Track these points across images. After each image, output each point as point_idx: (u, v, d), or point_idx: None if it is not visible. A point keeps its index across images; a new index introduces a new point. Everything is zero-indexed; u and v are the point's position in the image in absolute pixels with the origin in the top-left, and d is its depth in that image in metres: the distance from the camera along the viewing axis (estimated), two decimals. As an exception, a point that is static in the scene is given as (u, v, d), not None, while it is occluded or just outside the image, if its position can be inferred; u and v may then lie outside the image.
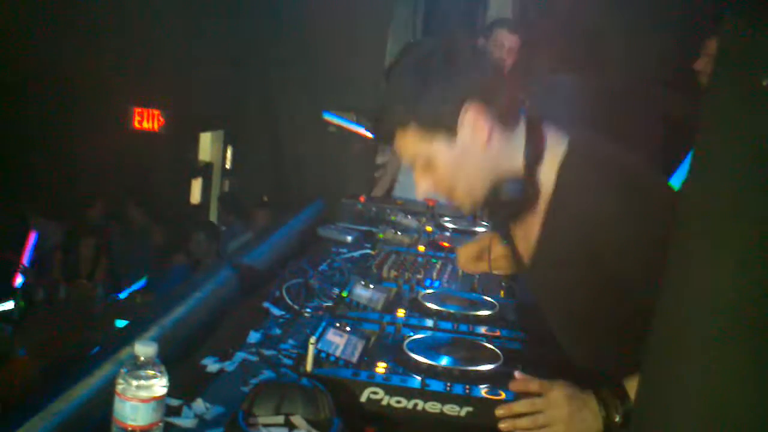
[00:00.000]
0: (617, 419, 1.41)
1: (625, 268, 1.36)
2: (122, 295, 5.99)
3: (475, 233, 3.12)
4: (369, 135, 6.13)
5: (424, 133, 1.44)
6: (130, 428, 1.22)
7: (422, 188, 1.51)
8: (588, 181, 1.41)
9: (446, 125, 1.42)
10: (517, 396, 1.49)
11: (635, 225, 1.35)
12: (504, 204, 1.47)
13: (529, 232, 1.52)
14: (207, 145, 10.49)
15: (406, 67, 1.46)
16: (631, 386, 1.41)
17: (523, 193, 1.45)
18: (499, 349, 1.72)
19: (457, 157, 1.44)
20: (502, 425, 1.46)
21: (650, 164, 1.55)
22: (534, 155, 1.45)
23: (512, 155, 1.46)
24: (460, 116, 1.41)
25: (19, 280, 5.72)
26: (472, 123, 1.42)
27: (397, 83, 1.47)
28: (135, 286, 6.07)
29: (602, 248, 1.38)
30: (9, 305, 5.03)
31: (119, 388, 1.23)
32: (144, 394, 1.22)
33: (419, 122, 1.43)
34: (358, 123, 7.79)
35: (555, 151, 1.46)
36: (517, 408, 1.46)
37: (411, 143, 1.46)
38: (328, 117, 8.68)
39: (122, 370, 1.24)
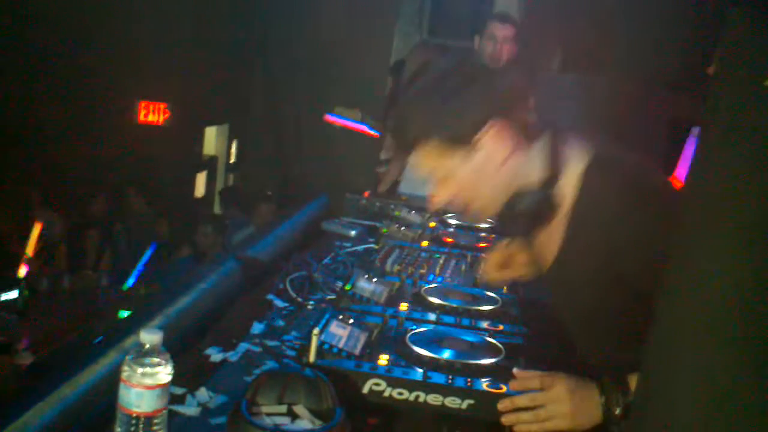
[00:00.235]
0: (617, 411, 1.42)
1: (642, 271, 1.38)
2: (132, 278, 6.06)
3: (479, 229, 3.13)
4: (373, 133, 6.14)
5: (444, 149, 1.46)
6: (134, 415, 1.23)
7: (438, 200, 1.53)
8: (609, 191, 1.43)
9: (467, 142, 1.44)
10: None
11: (653, 233, 1.36)
12: (521, 216, 1.49)
13: (550, 239, 1.54)
14: (212, 139, 10.51)
15: (425, 84, 1.48)
16: (634, 380, 1.42)
17: (541, 205, 1.47)
18: (501, 343, 1.73)
19: (477, 172, 1.47)
20: (504, 419, 1.47)
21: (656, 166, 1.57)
22: (555, 167, 1.47)
23: (531, 168, 1.48)
24: (480, 133, 1.43)
25: (23, 270, 5.74)
26: (493, 140, 1.44)
27: (416, 100, 1.49)
28: (147, 254, 6.13)
29: (622, 254, 1.40)
30: (13, 294, 5.05)
31: (124, 374, 1.24)
32: (149, 381, 1.23)
33: (440, 138, 1.45)
34: (363, 121, 7.80)
35: (575, 162, 1.48)
36: (519, 402, 1.47)
37: (430, 158, 1.48)
38: (331, 118, 8.70)
39: (127, 357, 1.25)
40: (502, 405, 1.47)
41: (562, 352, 1.70)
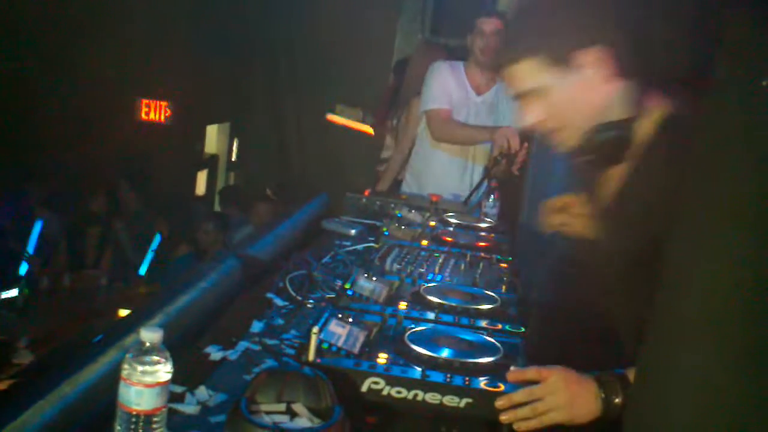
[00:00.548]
0: (617, 401, 1.43)
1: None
2: (144, 264, 6.13)
3: (478, 228, 3.14)
4: (371, 131, 6.15)
5: (546, 66, 1.49)
6: (134, 413, 1.24)
7: (529, 119, 1.56)
8: (675, 148, 1.46)
9: (570, 62, 1.47)
10: (517, 388, 1.51)
11: None
12: (600, 148, 1.52)
13: (608, 183, 1.58)
14: (213, 138, 10.51)
15: (539, 2, 1.52)
16: (632, 373, 1.43)
17: (614, 142, 1.50)
18: (499, 342, 1.73)
19: (571, 95, 1.50)
20: (503, 417, 1.47)
21: None
22: (635, 111, 1.51)
23: (618, 104, 1.51)
24: (585, 56, 1.46)
25: (23, 268, 5.75)
26: (595, 65, 1.47)
27: (529, 15, 1.53)
28: (155, 242, 6.18)
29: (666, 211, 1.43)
30: (13, 293, 5.06)
31: (124, 373, 1.24)
32: (148, 379, 1.24)
33: (544, 55, 1.48)
34: (364, 120, 7.82)
35: (654, 112, 1.51)
36: (516, 398, 1.47)
37: (530, 74, 1.51)
38: (333, 117, 8.71)
39: (127, 356, 1.25)
40: (499, 402, 1.47)
41: (561, 351, 1.71)
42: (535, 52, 1.49)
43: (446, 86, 3.83)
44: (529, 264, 2.70)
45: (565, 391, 1.45)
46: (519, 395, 1.47)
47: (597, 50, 1.46)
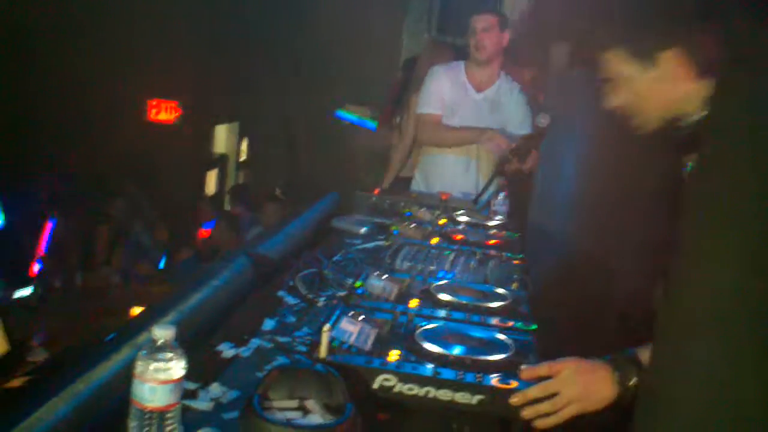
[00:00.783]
0: (631, 383, 1.44)
1: None
2: (161, 262, 6.21)
3: (488, 226, 3.14)
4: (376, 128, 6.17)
5: (630, 59, 1.52)
6: (148, 409, 1.24)
7: (611, 101, 1.61)
8: None
9: (652, 60, 1.50)
10: (530, 384, 1.51)
11: None
12: (672, 137, 1.54)
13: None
14: (222, 138, 10.54)
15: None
16: (643, 354, 1.44)
17: (692, 138, 1.52)
18: (511, 339, 1.74)
19: (650, 88, 1.53)
20: (524, 413, 1.48)
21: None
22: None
23: (695, 101, 1.52)
24: (666, 56, 1.49)
25: (36, 268, 5.79)
26: (674, 64, 1.49)
27: (618, 9, 1.56)
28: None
29: None
30: (27, 292, 5.09)
31: (137, 370, 1.25)
32: (162, 376, 1.24)
33: (629, 50, 1.52)
34: (372, 119, 7.83)
35: None
36: (531, 393, 1.48)
37: (615, 63, 1.55)
38: (341, 116, 8.73)
39: (140, 353, 1.26)
40: (515, 399, 1.48)
41: (573, 347, 1.71)
42: (621, 46, 1.54)
43: (440, 91, 3.92)
44: (539, 261, 2.70)
45: (579, 384, 1.47)
46: (534, 391, 1.48)
47: (677, 51, 1.49)
